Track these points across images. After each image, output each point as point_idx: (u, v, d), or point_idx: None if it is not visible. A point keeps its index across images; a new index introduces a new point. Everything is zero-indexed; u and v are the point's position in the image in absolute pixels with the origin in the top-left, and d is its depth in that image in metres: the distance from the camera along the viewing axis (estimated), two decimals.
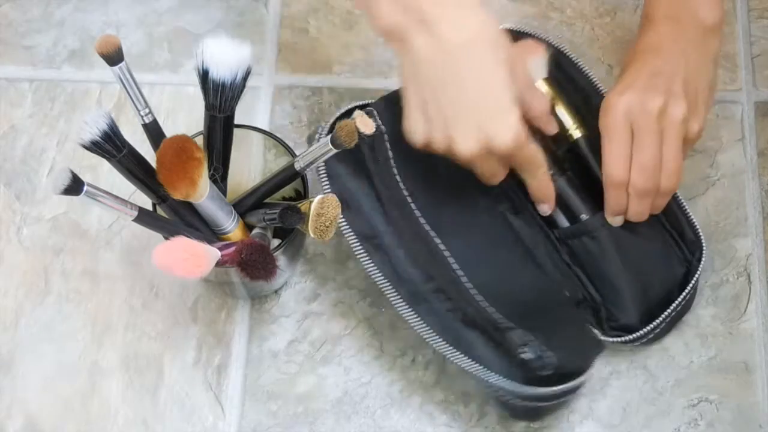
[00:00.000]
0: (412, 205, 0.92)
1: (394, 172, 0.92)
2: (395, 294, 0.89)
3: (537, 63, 0.93)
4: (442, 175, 0.93)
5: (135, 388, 0.95)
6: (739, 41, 1.08)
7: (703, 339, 0.97)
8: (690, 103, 0.90)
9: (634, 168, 0.90)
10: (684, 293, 0.93)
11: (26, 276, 0.99)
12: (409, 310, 0.89)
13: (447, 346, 0.88)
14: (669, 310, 0.93)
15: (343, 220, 0.90)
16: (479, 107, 0.83)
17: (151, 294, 0.98)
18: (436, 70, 0.82)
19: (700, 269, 0.94)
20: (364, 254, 0.90)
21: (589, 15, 1.10)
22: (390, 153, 0.92)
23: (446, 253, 0.91)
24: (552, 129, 0.92)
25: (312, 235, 0.81)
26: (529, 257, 0.95)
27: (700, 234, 0.95)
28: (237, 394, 0.95)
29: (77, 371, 0.96)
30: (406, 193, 0.92)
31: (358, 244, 0.91)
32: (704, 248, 0.94)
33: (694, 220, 0.95)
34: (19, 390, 0.95)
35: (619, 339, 0.94)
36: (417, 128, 0.85)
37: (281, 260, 0.90)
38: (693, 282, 0.93)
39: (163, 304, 0.98)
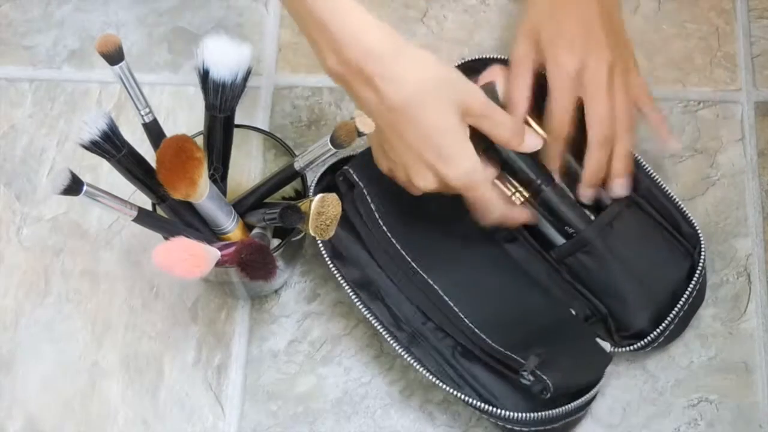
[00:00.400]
0: (402, 251, 0.93)
1: (380, 223, 0.93)
2: (394, 340, 0.91)
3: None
4: (428, 217, 0.95)
5: (135, 388, 0.95)
6: (739, 41, 1.08)
7: (703, 339, 0.97)
8: (623, 45, 0.94)
9: (592, 119, 0.92)
10: (690, 287, 0.93)
11: (26, 276, 0.99)
12: (408, 355, 0.91)
13: (449, 387, 0.89)
14: (677, 308, 0.92)
15: (337, 272, 0.93)
16: (429, 154, 0.86)
17: (151, 294, 0.98)
18: (384, 121, 0.85)
19: (702, 260, 0.93)
20: (361, 303, 0.92)
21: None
22: (372, 206, 0.94)
23: (440, 291, 0.92)
24: (532, 146, 0.92)
25: (312, 234, 0.81)
26: (531, 282, 0.95)
27: (696, 225, 0.94)
28: (237, 394, 0.95)
29: (77, 371, 0.96)
30: (394, 240, 0.93)
31: (355, 294, 0.93)
32: (701, 239, 0.94)
33: (687, 213, 0.95)
34: (19, 390, 0.95)
35: (631, 348, 0.93)
36: (380, 163, 0.90)
37: (281, 260, 0.90)
38: (697, 275, 0.93)
39: (163, 304, 0.98)
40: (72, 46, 1.08)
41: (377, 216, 0.93)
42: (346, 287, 0.93)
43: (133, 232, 0.99)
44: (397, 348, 0.91)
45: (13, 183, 1.02)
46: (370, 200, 0.94)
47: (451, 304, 0.91)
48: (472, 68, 0.96)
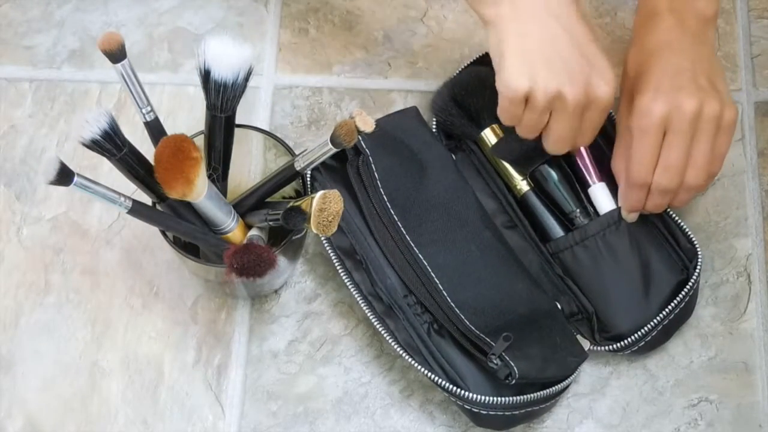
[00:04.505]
0: (398, 222, 0.93)
1: (381, 191, 0.93)
2: (369, 308, 0.92)
3: None
4: (429, 195, 0.95)
5: (135, 388, 0.95)
6: (739, 41, 1.09)
7: (703, 339, 0.97)
8: (718, 94, 0.91)
9: (660, 167, 0.91)
10: (675, 301, 0.93)
11: (26, 276, 0.99)
12: (380, 325, 0.92)
13: (417, 363, 0.90)
14: (659, 318, 0.93)
15: (325, 238, 0.93)
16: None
17: (151, 294, 0.98)
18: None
19: (695, 277, 0.93)
20: (343, 270, 0.93)
21: (589, 15, 1.10)
22: (376, 174, 0.94)
23: (427, 267, 0.92)
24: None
25: (315, 230, 0.81)
26: (521, 271, 0.95)
27: (694, 241, 0.95)
28: (237, 394, 0.95)
29: (77, 371, 0.96)
30: (393, 211, 0.93)
31: (338, 260, 0.94)
32: (699, 256, 0.94)
33: (685, 228, 0.95)
34: (19, 390, 0.95)
35: (608, 348, 0.94)
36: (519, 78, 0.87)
37: (281, 260, 0.90)
38: (686, 290, 0.93)
39: (163, 304, 0.98)
40: (72, 46, 1.07)
41: (379, 184, 0.94)
42: (331, 252, 0.93)
43: (134, 232, 0.99)
44: (370, 316, 0.92)
45: (13, 183, 1.02)
46: (374, 168, 0.94)
47: (436, 281, 0.92)
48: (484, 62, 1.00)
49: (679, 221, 0.95)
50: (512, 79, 0.86)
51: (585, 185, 0.97)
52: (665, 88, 0.90)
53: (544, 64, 0.85)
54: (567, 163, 0.97)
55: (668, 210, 0.96)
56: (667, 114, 0.89)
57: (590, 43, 0.87)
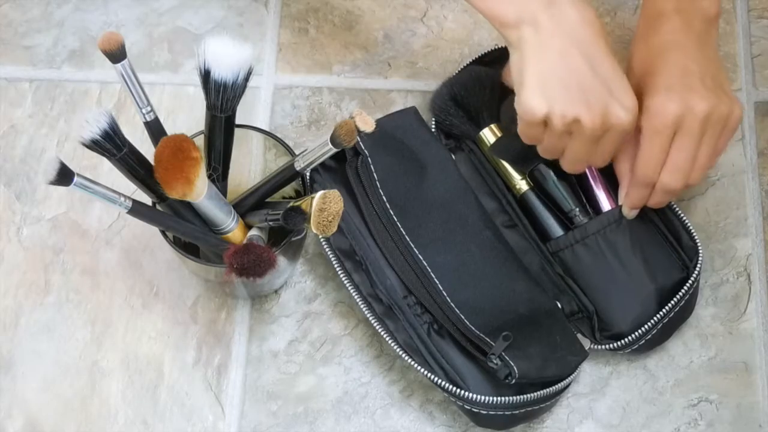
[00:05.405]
0: (397, 222, 0.93)
1: (381, 192, 0.93)
2: (368, 309, 0.92)
3: None
4: (428, 195, 0.95)
5: (135, 388, 0.95)
6: (739, 41, 1.09)
7: (703, 339, 0.97)
8: (724, 94, 0.91)
9: (668, 168, 0.91)
10: (675, 299, 0.93)
11: (26, 276, 0.99)
12: (379, 326, 0.92)
13: (417, 364, 0.90)
14: (659, 316, 0.93)
15: (324, 240, 0.93)
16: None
17: (151, 294, 0.98)
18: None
19: (695, 275, 0.93)
20: (342, 271, 0.93)
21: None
22: (375, 174, 0.94)
23: (427, 267, 0.92)
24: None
25: (315, 230, 0.81)
26: (521, 270, 0.95)
27: (697, 239, 0.95)
28: (237, 394, 0.95)
29: (77, 371, 0.96)
30: (392, 212, 0.93)
31: (337, 261, 0.94)
32: (701, 254, 0.94)
33: (689, 225, 0.95)
34: (19, 390, 0.95)
35: (608, 347, 0.94)
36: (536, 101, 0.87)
37: (281, 260, 0.90)
38: (686, 288, 0.93)
39: (163, 304, 0.98)
40: (72, 46, 1.07)
41: (378, 185, 0.94)
42: (330, 254, 0.93)
43: (134, 232, 0.99)
44: (369, 317, 0.92)
45: (13, 183, 1.02)
46: (373, 169, 0.94)
47: (436, 281, 0.92)
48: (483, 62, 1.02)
49: (683, 217, 0.95)
50: (531, 102, 0.86)
51: (597, 210, 0.97)
52: (677, 88, 0.90)
53: (562, 90, 0.85)
54: (578, 182, 0.97)
55: (672, 205, 0.96)
56: (680, 114, 0.89)
57: (612, 72, 0.87)
